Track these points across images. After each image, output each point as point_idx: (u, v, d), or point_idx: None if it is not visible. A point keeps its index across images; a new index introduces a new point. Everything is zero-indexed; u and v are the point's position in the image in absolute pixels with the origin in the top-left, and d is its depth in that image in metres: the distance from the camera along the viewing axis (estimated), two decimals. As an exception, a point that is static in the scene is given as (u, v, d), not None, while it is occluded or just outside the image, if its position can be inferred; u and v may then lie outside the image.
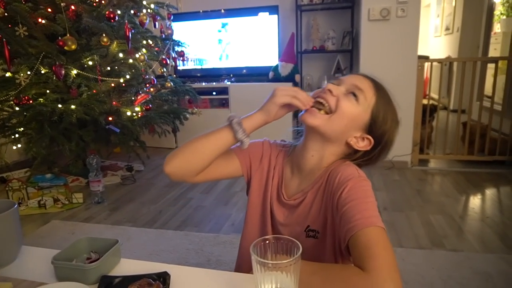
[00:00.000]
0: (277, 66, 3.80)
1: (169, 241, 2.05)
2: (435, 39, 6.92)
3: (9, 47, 2.16)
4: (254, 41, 3.96)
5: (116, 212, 2.48)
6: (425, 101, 3.29)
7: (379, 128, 0.78)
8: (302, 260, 0.59)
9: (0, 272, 0.79)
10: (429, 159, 3.37)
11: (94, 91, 2.50)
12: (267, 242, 0.65)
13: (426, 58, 3.48)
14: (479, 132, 3.13)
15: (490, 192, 2.69)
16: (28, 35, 2.30)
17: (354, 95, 0.77)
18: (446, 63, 3.99)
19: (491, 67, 3.46)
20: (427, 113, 3.27)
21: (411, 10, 3.03)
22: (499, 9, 5.04)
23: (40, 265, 0.80)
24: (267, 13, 3.85)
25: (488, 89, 3.44)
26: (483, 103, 3.20)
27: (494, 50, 4.66)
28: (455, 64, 4.45)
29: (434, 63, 4.81)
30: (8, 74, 2.35)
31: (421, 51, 3.16)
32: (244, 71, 4.04)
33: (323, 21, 3.97)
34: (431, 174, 3.11)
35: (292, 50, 3.80)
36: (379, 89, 0.80)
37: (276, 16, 3.83)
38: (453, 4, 5.68)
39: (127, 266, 0.80)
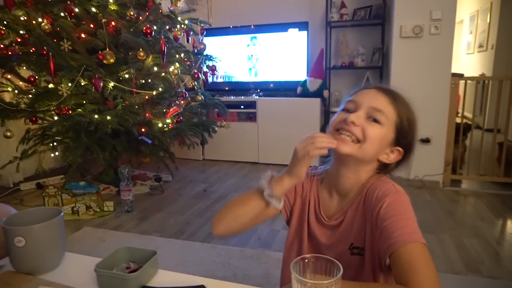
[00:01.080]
0: (305, 81, 3.82)
1: (196, 252, 2.07)
2: (468, 56, 6.75)
3: (53, 61, 2.29)
4: (282, 56, 4.00)
5: (144, 222, 2.53)
6: (458, 120, 3.20)
7: (406, 137, 0.80)
8: (342, 280, 0.59)
9: (45, 277, 0.82)
10: (461, 180, 3.26)
11: (126, 102, 2.59)
12: (307, 260, 0.66)
13: (460, 76, 3.40)
14: (516, 153, 3.01)
15: (528, 216, 2.57)
16: (71, 49, 2.43)
17: (376, 120, 0.77)
18: (480, 81, 3.89)
19: (529, 86, 3.33)
20: (461, 132, 3.18)
21: (444, 27, 2.98)
22: (537, 27, 4.89)
23: (82, 272, 0.84)
24: (297, 29, 3.89)
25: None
26: (520, 123, 3.08)
27: (532, 68, 4.50)
28: (490, 82, 4.33)
29: (468, 81, 4.70)
30: (50, 86, 2.47)
31: (453, 69, 3.10)
32: (272, 85, 4.08)
33: (352, 37, 3.97)
34: (463, 195, 3.00)
35: (321, 66, 3.81)
36: (396, 100, 0.79)
37: (305, 32, 3.86)
38: (487, 21, 5.54)
39: (164, 277, 0.82)
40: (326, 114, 3.88)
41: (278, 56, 4.02)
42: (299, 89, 3.85)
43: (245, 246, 2.13)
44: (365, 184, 0.81)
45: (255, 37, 4.07)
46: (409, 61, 3.11)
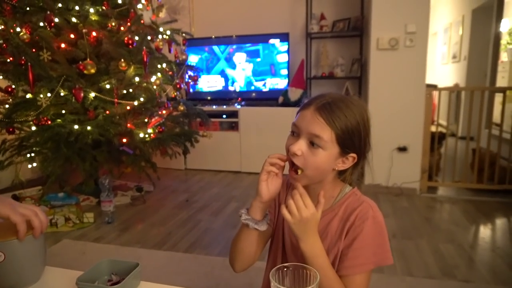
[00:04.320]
0: (286, 91, 3.88)
1: (178, 263, 2.07)
2: (442, 67, 7.00)
3: (32, 70, 2.26)
4: (264, 66, 4.06)
5: (125, 233, 2.51)
6: (433, 128, 3.32)
7: (353, 145, 0.83)
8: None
9: (25, 292, 0.82)
10: (438, 186, 3.37)
11: (107, 112, 2.58)
12: (285, 269, 0.69)
13: (434, 87, 3.53)
14: (489, 160, 3.14)
15: (500, 221, 2.68)
16: (51, 59, 2.40)
17: (317, 144, 0.80)
18: (453, 91, 4.04)
19: (499, 95, 3.50)
20: (436, 140, 3.29)
21: (419, 40, 3.10)
22: (505, 39, 5.13)
23: (63, 286, 0.83)
24: (278, 39, 3.96)
25: (496, 117, 3.46)
26: (491, 131, 3.22)
27: (502, 78, 4.71)
28: (463, 91, 4.50)
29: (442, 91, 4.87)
30: (29, 96, 2.44)
31: (428, 78, 3.22)
32: (254, 94, 4.13)
33: (332, 48, 4.07)
34: (440, 202, 3.10)
35: (301, 76, 3.89)
36: (332, 116, 0.80)
37: (286, 42, 3.94)
38: (460, 32, 5.79)
39: (147, 289, 0.83)
40: (307, 123, 3.94)
41: (259, 66, 4.08)
42: (280, 99, 3.91)
43: (227, 256, 2.14)
44: (342, 201, 0.88)
45: (237, 49, 4.12)
46: (386, 72, 3.22)
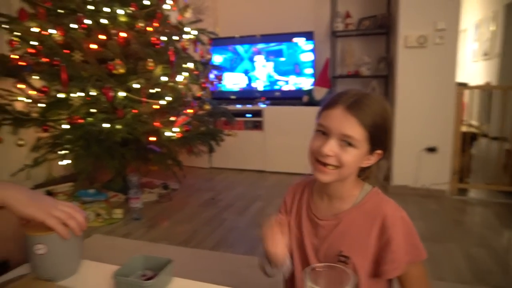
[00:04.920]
0: (311, 90, 3.85)
1: (204, 261, 2.09)
2: (473, 64, 6.76)
3: (65, 71, 2.34)
4: (289, 65, 4.04)
5: (153, 229, 2.56)
6: (464, 128, 3.21)
7: (381, 142, 0.83)
8: None
9: (64, 283, 0.85)
10: (468, 189, 3.25)
11: (135, 111, 2.63)
12: (320, 270, 0.68)
13: (465, 85, 3.41)
14: (523, 162, 3.01)
15: (536, 226, 2.56)
16: (82, 60, 2.48)
17: (349, 143, 0.80)
18: (485, 90, 3.90)
19: (535, 94, 3.34)
20: (466, 140, 3.18)
21: (448, 37, 3.01)
22: (542, 35, 4.89)
23: (99, 278, 0.86)
24: (303, 38, 3.94)
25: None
26: (527, 132, 3.09)
27: (538, 77, 4.50)
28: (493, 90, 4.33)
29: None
30: (61, 95, 2.52)
31: (459, 77, 3.12)
32: (278, 94, 4.12)
33: (358, 46, 4.01)
34: (471, 204, 3.00)
35: (326, 75, 3.85)
36: (362, 114, 0.80)
37: (311, 41, 3.91)
38: (491, 29, 5.56)
39: (180, 285, 0.85)
40: (332, 122, 3.90)
41: (283, 65, 4.06)
42: (305, 98, 3.89)
43: (253, 255, 2.15)
44: (365, 200, 0.87)
45: (262, 48, 4.12)
46: (414, 71, 3.14)
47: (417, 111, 3.11)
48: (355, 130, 0.79)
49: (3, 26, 2.62)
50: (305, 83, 3.98)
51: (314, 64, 3.94)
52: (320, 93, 3.78)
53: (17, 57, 2.50)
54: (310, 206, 0.94)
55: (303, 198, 0.97)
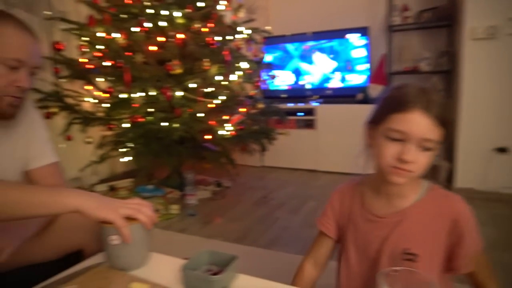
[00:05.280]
0: (366, 87, 3.72)
1: (259, 259, 2.09)
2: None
3: (128, 72, 2.47)
4: (340, 62, 3.94)
5: (207, 226, 2.62)
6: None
7: (448, 134, 0.82)
8: None
9: (135, 273, 0.88)
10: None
11: (190, 110, 2.70)
12: (396, 273, 0.64)
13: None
14: None
15: None
16: (143, 61, 2.60)
17: (428, 148, 0.78)
18: None
19: None
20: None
21: (524, 27, 2.74)
22: None
23: (166, 270, 0.89)
24: (356, 34, 3.81)
25: None
26: None
27: None
28: None
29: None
30: (124, 95, 2.66)
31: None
32: (331, 92, 4.03)
33: (416, 41, 3.80)
34: (548, 211, 2.72)
35: (382, 72, 3.70)
36: (437, 112, 0.77)
37: (366, 37, 3.77)
38: None
39: (244, 282, 0.85)
40: (388, 121, 3.74)
41: (335, 62, 3.97)
42: (359, 96, 3.76)
43: (307, 255, 2.11)
44: (428, 196, 0.86)
45: (314, 45, 4.05)
46: (482, 65, 2.90)
47: (486, 109, 2.88)
48: (435, 132, 0.77)
49: (73, 32, 2.83)
50: (358, 80, 3.85)
51: (369, 60, 3.80)
52: (376, 91, 3.63)
53: (86, 60, 2.68)
54: (365, 206, 0.93)
55: (354, 199, 0.96)
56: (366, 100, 3.66)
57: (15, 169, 1.14)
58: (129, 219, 0.86)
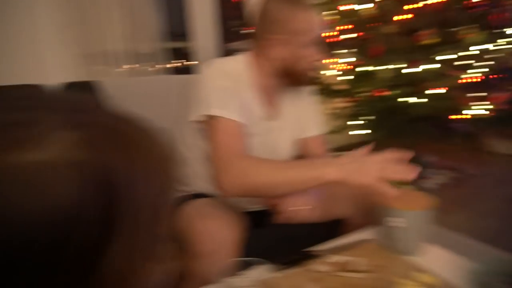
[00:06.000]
0: None
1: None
2: None
3: (376, 44, 2.41)
4: None
5: (447, 216, 2.30)
6: None
7: None
8: None
9: (408, 259, 0.85)
10: None
11: (440, 86, 2.40)
12: None
13: None
14: None
15: None
16: (391, 32, 2.47)
17: None
18: None
19: None
20: None
21: None
22: None
23: (443, 266, 0.81)
24: None
25: None
26: None
27: None
28: None
29: None
30: (368, 68, 2.62)
31: None
32: None
33: None
34: None
35: None
36: None
37: None
38: None
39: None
40: None
41: None
42: None
43: None
44: None
45: None
46: None
47: None
48: None
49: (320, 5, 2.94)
50: None
51: None
52: None
53: (335, 33, 2.77)
54: None
55: None
56: None
57: (292, 130, 1.29)
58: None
